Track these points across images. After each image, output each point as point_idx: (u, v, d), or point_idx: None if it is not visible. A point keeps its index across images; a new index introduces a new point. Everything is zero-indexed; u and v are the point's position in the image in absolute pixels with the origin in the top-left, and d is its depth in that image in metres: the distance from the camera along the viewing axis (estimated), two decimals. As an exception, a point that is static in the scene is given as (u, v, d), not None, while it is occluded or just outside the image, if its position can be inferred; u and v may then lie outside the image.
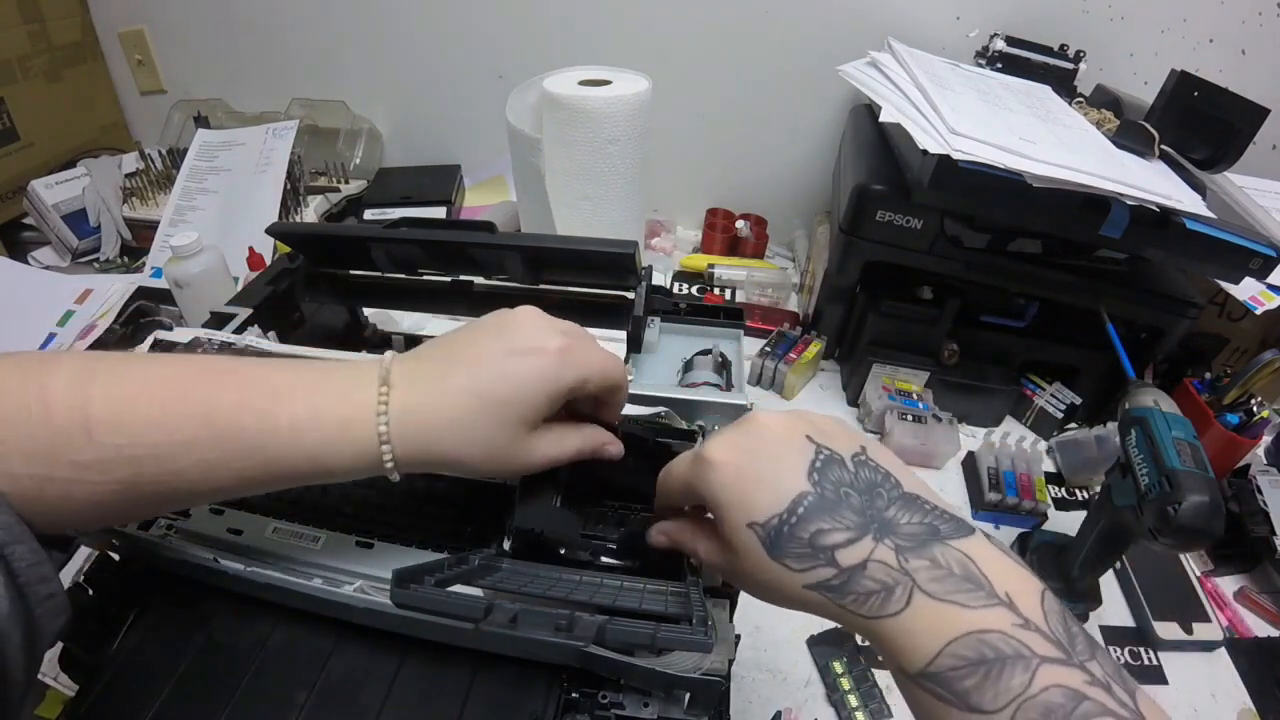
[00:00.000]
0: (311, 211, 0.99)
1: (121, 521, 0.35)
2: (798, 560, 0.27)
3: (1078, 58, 0.85)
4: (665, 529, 0.35)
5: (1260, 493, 0.67)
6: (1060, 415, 0.77)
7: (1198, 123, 0.70)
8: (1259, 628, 0.63)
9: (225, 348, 0.46)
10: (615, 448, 0.37)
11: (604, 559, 0.41)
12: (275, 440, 0.30)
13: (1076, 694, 0.23)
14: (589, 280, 0.53)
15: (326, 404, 0.31)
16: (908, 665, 0.25)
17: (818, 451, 0.29)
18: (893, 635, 0.26)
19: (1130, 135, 0.68)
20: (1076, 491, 0.75)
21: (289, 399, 0.30)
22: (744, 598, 0.38)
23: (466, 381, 0.32)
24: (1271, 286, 0.69)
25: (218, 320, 0.51)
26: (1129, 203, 0.58)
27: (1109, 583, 0.64)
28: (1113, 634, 0.61)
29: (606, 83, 0.73)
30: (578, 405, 0.36)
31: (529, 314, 0.34)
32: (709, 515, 0.32)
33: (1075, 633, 0.25)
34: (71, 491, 0.27)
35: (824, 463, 0.29)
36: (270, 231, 0.58)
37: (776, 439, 0.30)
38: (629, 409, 0.43)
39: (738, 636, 0.34)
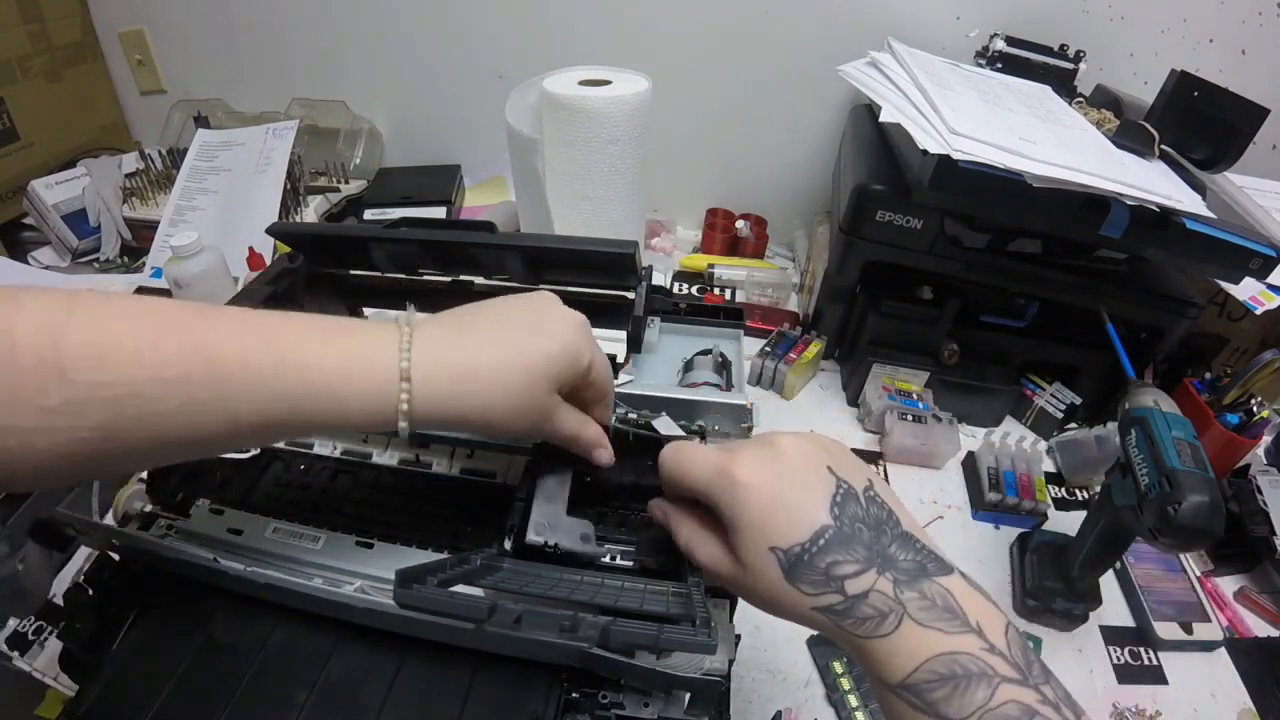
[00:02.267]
0: (311, 211, 0.99)
1: (81, 480, 0.32)
2: (812, 586, 0.30)
3: (1078, 58, 0.85)
4: (667, 511, 0.37)
5: (1260, 493, 0.67)
6: (1060, 415, 0.77)
7: (1198, 123, 0.70)
8: (1259, 628, 0.63)
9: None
10: (606, 454, 0.38)
11: (604, 559, 0.41)
12: (280, 376, 0.28)
13: (1029, 709, 0.26)
14: (589, 280, 0.53)
15: (342, 342, 0.30)
16: (888, 677, 0.29)
17: (838, 485, 0.31)
18: (879, 652, 0.29)
19: (1130, 135, 0.68)
20: (1076, 491, 0.75)
21: (300, 336, 0.29)
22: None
23: (499, 334, 0.33)
24: (1271, 286, 0.69)
25: (218, 320, 0.51)
26: (1129, 203, 0.58)
27: (1109, 583, 0.64)
28: (1113, 634, 0.61)
29: (606, 83, 0.73)
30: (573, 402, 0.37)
31: (551, 295, 0.36)
32: (701, 511, 0.34)
33: (1032, 660, 0.28)
34: (36, 442, 0.25)
35: (843, 497, 0.31)
36: (270, 231, 0.58)
37: (802, 466, 0.32)
38: (620, 411, 0.44)
39: (738, 636, 0.34)
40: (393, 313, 0.36)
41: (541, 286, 0.53)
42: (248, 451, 0.50)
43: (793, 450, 0.32)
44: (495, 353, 0.32)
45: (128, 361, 0.26)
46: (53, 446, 0.25)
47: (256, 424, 0.28)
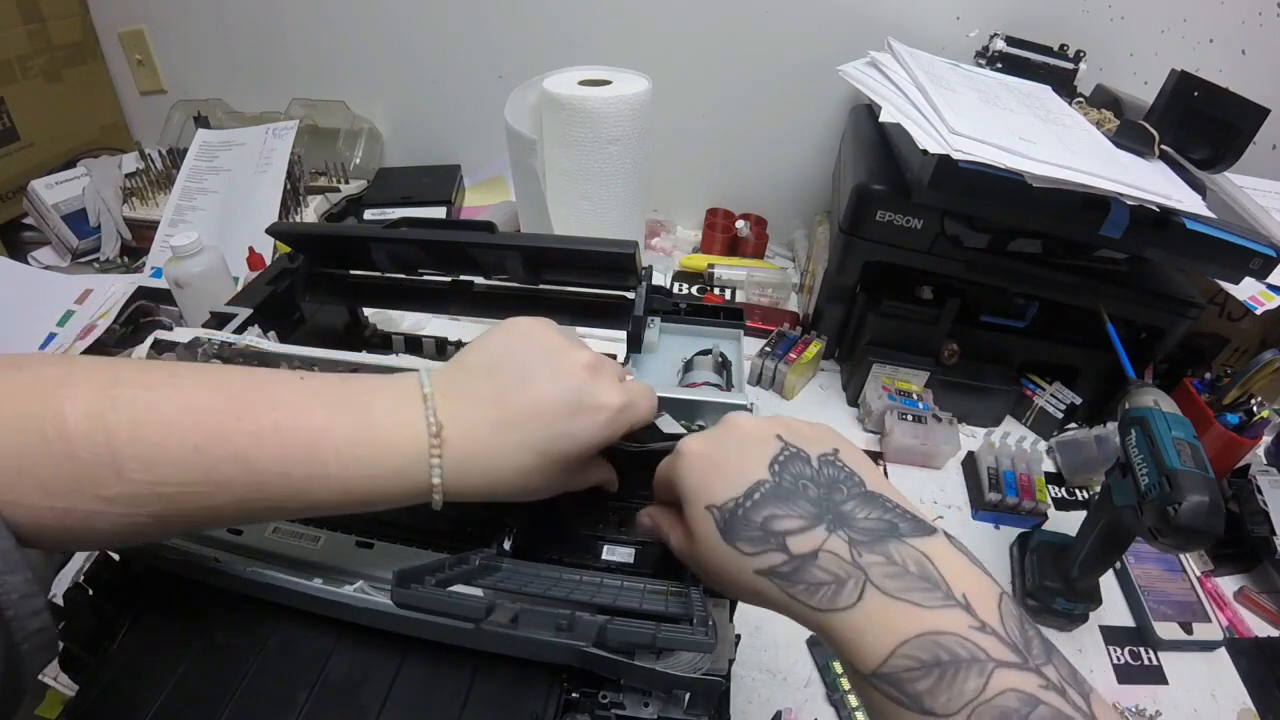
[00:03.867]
0: (311, 211, 0.99)
1: (144, 543, 0.34)
2: (749, 544, 0.28)
3: (1078, 58, 0.85)
4: (649, 512, 0.37)
5: (1260, 493, 0.67)
6: (1060, 415, 0.77)
7: (1198, 123, 0.70)
8: (1259, 628, 0.63)
9: (225, 347, 0.46)
10: (614, 484, 0.40)
11: (604, 558, 0.41)
12: (324, 485, 0.29)
13: (1031, 698, 0.23)
14: (589, 280, 0.53)
15: (377, 451, 0.30)
16: (860, 664, 0.25)
17: (784, 448, 0.30)
18: (844, 631, 0.26)
19: (1130, 135, 0.68)
20: (1076, 491, 0.75)
21: (335, 444, 0.29)
22: (744, 598, 0.38)
23: (528, 438, 0.32)
24: (1271, 286, 0.69)
25: (218, 320, 0.51)
26: (1129, 203, 0.58)
27: (1109, 583, 0.64)
28: (1113, 634, 0.61)
29: (606, 83, 0.73)
30: None
31: (587, 361, 0.34)
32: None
33: (1031, 636, 0.25)
34: (95, 523, 0.26)
35: (787, 458, 0.30)
36: (270, 231, 0.58)
37: (747, 435, 0.31)
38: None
39: (738, 636, 0.34)
40: (420, 366, 0.35)
41: (541, 286, 0.53)
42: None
43: (744, 423, 0.32)
44: (525, 459, 0.32)
45: (175, 466, 0.27)
46: (114, 526, 0.26)
47: (303, 512, 0.30)
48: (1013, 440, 0.74)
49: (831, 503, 0.28)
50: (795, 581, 0.27)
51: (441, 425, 0.31)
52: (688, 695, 0.32)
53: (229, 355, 0.46)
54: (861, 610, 0.25)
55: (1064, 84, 0.84)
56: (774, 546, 0.27)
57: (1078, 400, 0.77)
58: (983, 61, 0.86)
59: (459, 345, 0.61)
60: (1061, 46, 0.86)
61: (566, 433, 0.32)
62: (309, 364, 0.46)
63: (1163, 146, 0.68)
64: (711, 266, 1.03)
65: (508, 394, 0.33)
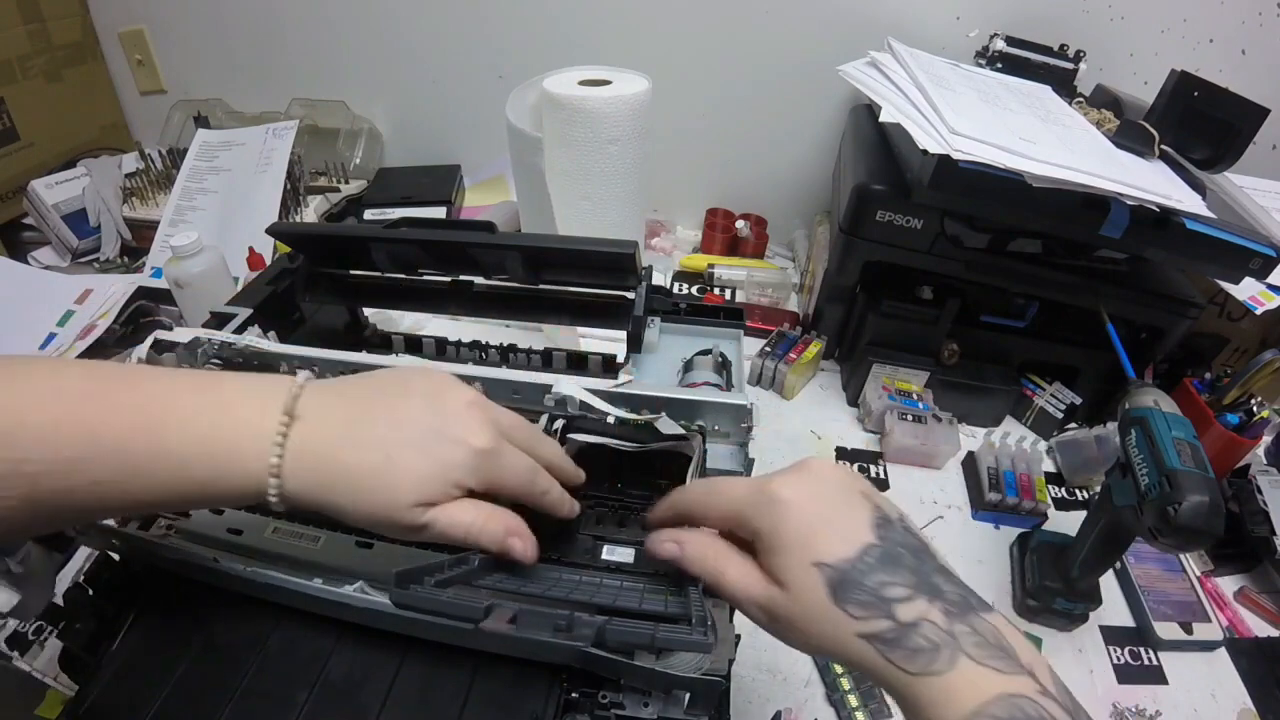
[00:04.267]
0: (311, 211, 0.99)
1: (37, 534, 0.34)
2: (860, 608, 0.29)
3: (1078, 58, 0.85)
4: (680, 540, 0.34)
5: (1260, 493, 0.67)
6: (1060, 415, 0.77)
7: (1198, 123, 0.70)
8: (1259, 628, 0.63)
9: (225, 347, 0.46)
10: (521, 546, 0.34)
11: (604, 558, 0.41)
12: (163, 464, 0.29)
13: None
14: (589, 280, 0.53)
15: (221, 430, 0.30)
16: None
17: (876, 510, 0.31)
18: (931, 693, 0.27)
19: (1130, 135, 0.68)
20: (1076, 491, 0.75)
21: (179, 421, 0.29)
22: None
23: (382, 436, 0.31)
24: (1271, 286, 0.69)
25: (218, 320, 0.51)
26: (1129, 203, 0.58)
27: (1109, 583, 0.64)
28: (1113, 634, 0.61)
29: (606, 83, 0.73)
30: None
31: (470, 399, 0.33)
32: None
33: (1077, 703, 0.27)
34: None
35: (881, 520, 0.31)
36: (270, 231, 0.58)
37: (839, 488, 0.32)
38: (620, 411, 0.44)
39: (738, 636, 0.34)
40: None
41: (541, 286, 0.53)
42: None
43: (828, 472, 0.32)
44: (370, 458, 0.30)
45: (33, 440, 0.27)
46: None
47: (153, 502, 0.30)
48: (1013, 440, 0.74)
49: (925, 572, 0.30)
50: (896, 647, 0.28)
51: (296, 402, 0.30)
52: (688, 695, 0.32)
53: (229, 355, 0.46)
54: (954, 674, 0.27)
55: (1064, 84, 0.84)
56: (883, 613, 0.28)
57: (1078, 400, 0.77)
58: (983, 61, 0.86)
59: (459, 345, 0.61)
60: (1061, 46, 0.86)
61: (418, 446, 0.31)
62: (309, 364, 0.46)
63: (1163, 146, 0.68)
64: (711, 266, 1.03)
65: (377, 400, 0.32)
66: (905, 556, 0.30)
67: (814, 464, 0.33)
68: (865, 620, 0.28)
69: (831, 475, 0.32)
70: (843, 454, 0.76)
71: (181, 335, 0.46)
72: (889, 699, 0.54)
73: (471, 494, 0.33)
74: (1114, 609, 0.63)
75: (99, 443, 0.28)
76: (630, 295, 0.52)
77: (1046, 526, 0.69)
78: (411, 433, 0.31)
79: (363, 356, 0.47)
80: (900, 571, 0.29)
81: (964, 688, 0.27)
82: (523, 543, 0.34)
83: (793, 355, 0.82)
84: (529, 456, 0.35)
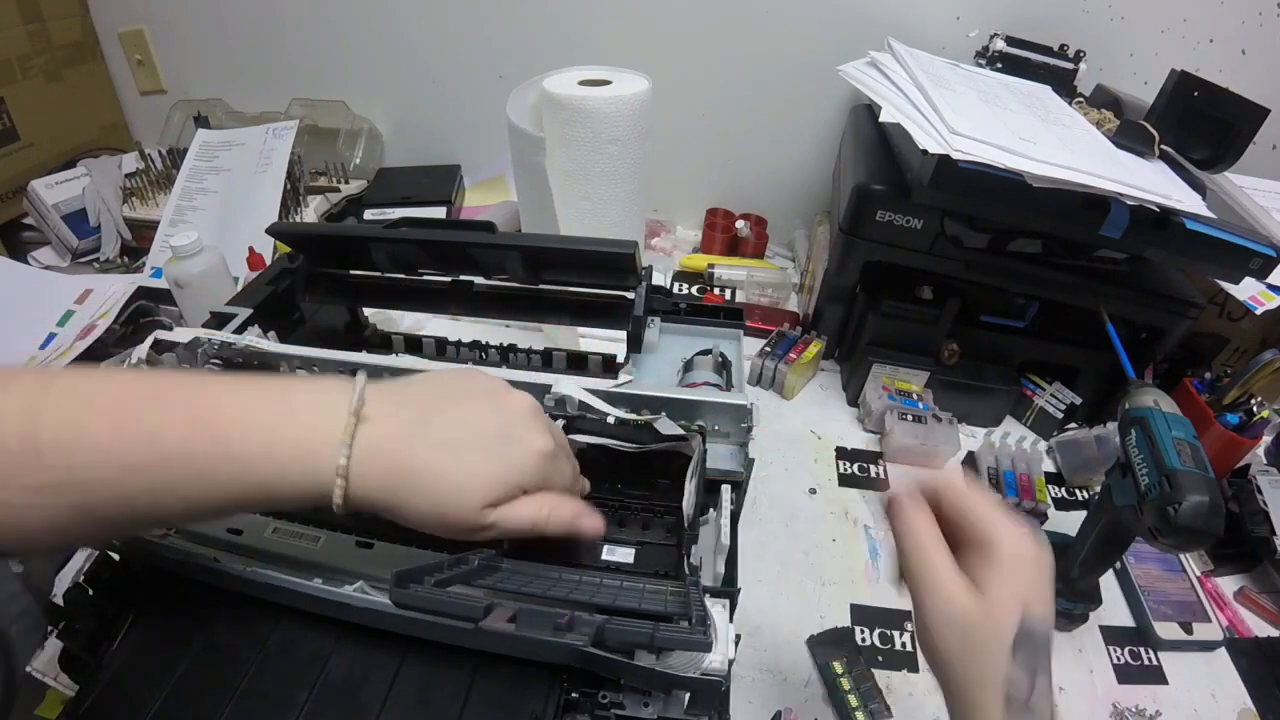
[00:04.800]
0: (311, 211, 0.99)
1: (85, 545, 0.34)
2: (1021, 667, 0.31)
3: (1078, 58, 0.85)
4: (908, 504, 0.35)
5: (1260, 493, 0.67)
6: (1060, 415, 0.77)
7: (1198, 123, 0.70)
8: (1259, 628, 0.63)
9: (225, 347, 0.46)
10: (592, 524, 0.36)
11: (604, 558, 0.41)
12: (226, 466, 0.29)
13: None
14: (589, 280, 0.53)
15: (287, 431, 0.30)
16: None
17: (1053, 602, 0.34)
18: None
19: (1130, 135, 0.68)
20: (1076, 491, 0.75)
21: (242, 423, 0.29)
22: (743, 597, 0.38)
23: (450, 437, 0.31)
24: (1271, 286, 0.69)
25: (218, 320, 0.51)
26: (1129, 203, 0.58)
27: (1109, 583, 0.64)
28: (1113, 634, 0.61)
29: (606, 83, 0.73)
30: None
31: (531, 404, 0.35)
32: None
33: None
34: (25, 517, 0.27)
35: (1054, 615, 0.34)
36: (270, 231, 0.58)
37: (1049, 569, 0.35)
38: (619, 411, 0.44)
39: (738, 636, 0.34)
40: (358, 362, 0.35)
41: (541, 286, 0.53)
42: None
43: (1047, 565, 0.34)
44: (440, 459, 0.31)
45: (90, 448, 0.27)
46: (43, 520, 0.27)
47: (212, 506, 0.30)
48: (1013, 440, 0.74)
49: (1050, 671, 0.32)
50: (1015, 715, 0.30)
51: (365, 403, 0.31)
52: (688, 695, 0.32)
53: (229, 355, 0.46)
54: None
55: (1064, 84, 0.84)
56: (1029, 685, 0.30)
57: (1078, 400, 0.77)
58: (983, 61, 0.86)
59: (459, 345, 0.61)
60: (1061, 46, 0.86)
61: (487, 446, 0.32)
62: (309, 364, 0.46)
63: (1163, 146, 0.68)
64: (711, 266, 1.03)
65: (443, 406, 0.33)
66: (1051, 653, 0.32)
67: (1045, 547, 0.35)
68: (1015, 681, 0.30)
69: (1051, 559, 0.34)
70: (843, 454, 0.76)
71: (181, 335, 0.46)
72: (889, 699, 0.54)
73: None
74: (1114, 609, 0.63)
75: (159, 447, 0.28)
76: (630, 295, 0.52)
77: (1046, 526, 0.69)
78: (480, 434, 0.32)
79: (362, 356, 0.47)
80: (1048, 662, 0.31)
81: None
82: (591, 519, 0.36)
83: (793, 355, 0.82)
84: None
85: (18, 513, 0.26)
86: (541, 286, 0.53)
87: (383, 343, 0.64)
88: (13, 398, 0.27)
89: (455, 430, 0.32)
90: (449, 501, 0.31)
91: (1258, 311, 0.70)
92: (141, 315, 0.83)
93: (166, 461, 0.28)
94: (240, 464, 0.29)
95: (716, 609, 0.34)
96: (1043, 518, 0.70)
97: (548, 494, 0.34)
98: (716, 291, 1.02)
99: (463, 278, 0.55)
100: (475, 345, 0.60)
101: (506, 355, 0.60)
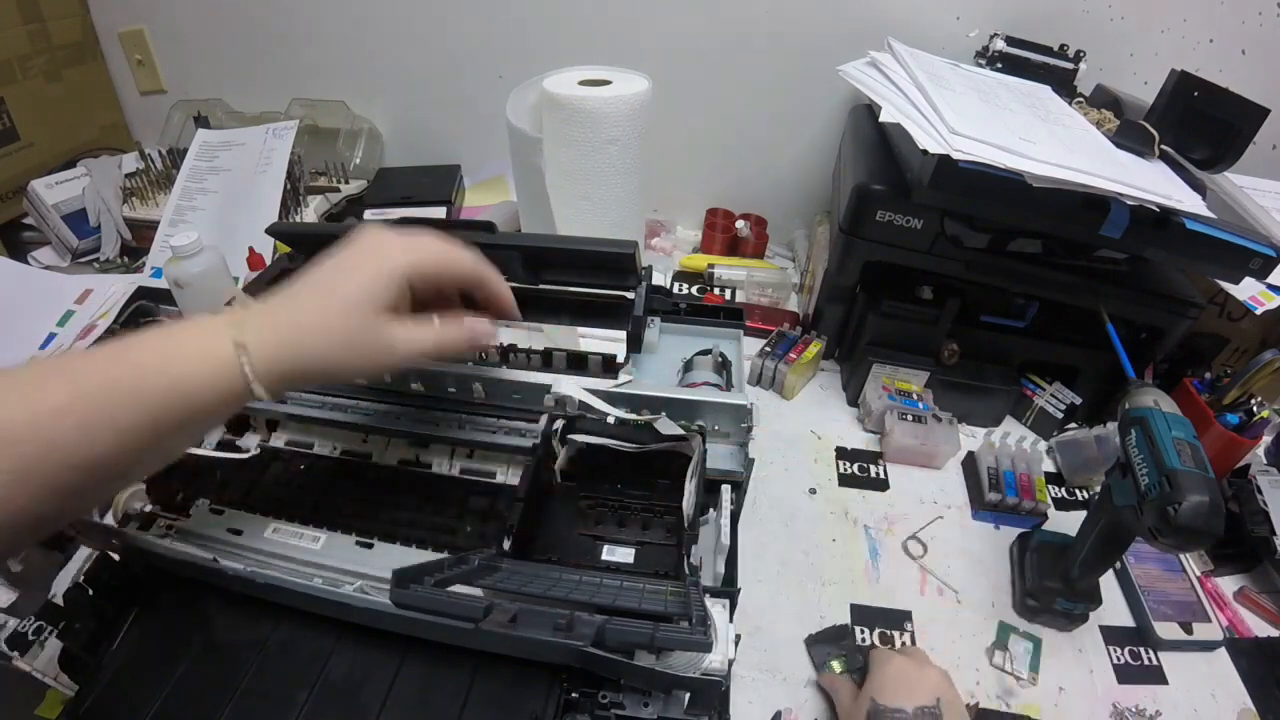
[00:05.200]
0: (311, 211, 0.99)
1: (23, 527, 0.34)
2: None
3: (1078, 58, 0.85)
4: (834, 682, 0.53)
5: (1260, 493, 0.67)
6: (1060, 415, 0.77)
7: (1198, 123, 0.70)
8: (1259, 628, 0.63)
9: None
10: (483, 329, 0.40)
11: (604, 558, 0.41)
12: (147, 384, 0.31)
13: None
14: (589, 280, 0.53)
15: (186, 334, 0.33)
16: None
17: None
18: None
19: (1130, 135, 0.68)
20: (1076, 491, 0.75)
21: (153, 347, 0.32)
22: (743, 597, 0.38)
23: (314, 282, 0.35)
24: (1271, 286, 0.69)
25: (218, 320, 0.51)
26: (1129, 203, 0.58)
27: (1109, 583, 0.64)
28: (1113, 634, 0.61)
29: (606, 83, 0.73)
30: (441, 306, 0.39)
31: (371, 225, 0.38)
32: None
33: None
34: None
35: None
36: (270, 231, 0.58)
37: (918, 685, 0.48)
38: (619, 411, 0.44)
39: (738, 636, 0.34)
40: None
41: (541, 286, 0.53)
42: (248, 451, 0.50)
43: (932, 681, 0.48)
44: (313, 300, 0.34)
45: (17, 403, 0.29)
46: None
47: (142, 429, 0.31)
48: (1013, 440, 0.74)
49: None
50: None
51: (238, 295, 0.35)
52: (688, 695, 0.32)
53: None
54: None
55: (1064, 84, 0.84)
56: None
57: (1078, 400, 0.77)
58: (983, 61, 0.86)
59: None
60: (1061, 46, 0.86)
61: (343, 271, 0.35)
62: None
63: (1163, 146, 0.68)
64: (711, 266, 1.03)
65: (307, 269, 0.36)
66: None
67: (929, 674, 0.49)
68: None
69: (896, 667, 0.49)
70: (843, 454, 0.76)
71: (181, 335, 0.46)
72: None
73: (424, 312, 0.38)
74: (1114, 609, 0.63)
75: (79, 381, 0.30)
76: (630, 295, 0.52)
77: (1046, 526, 0.69)
78: (336, 270, 0.35)
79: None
80: None
81: None
82: (485, 325, 0.40)
83: (793, 355, 0.82)
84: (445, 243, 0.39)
85: None
86: (541, 286, 0.53)
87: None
88: None
89: (320, 274, 0.35)
90: (335, 323, 0.34)
91: (1258, 311, 0.70)
92: (141, 315, 0.83)
93: (90, 394, 0.30)
94: (156, 377, 0.31)
95: (716, 609, 0.34)
96: (1043, 518, 0.70)
97: (437, 318, 0.38)
98: (716, 291, 1.02)
99: (463, 278, 0.55)
100: (475, 345, 0.60)
101: (506, 355, 0.60)
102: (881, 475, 0.75)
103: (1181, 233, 0.60)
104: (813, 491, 0.72)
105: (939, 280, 0.76)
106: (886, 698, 0.45)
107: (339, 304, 0.34)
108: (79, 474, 0.31)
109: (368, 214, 1.04)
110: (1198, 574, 0.67)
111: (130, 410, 0.30)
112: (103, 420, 0.30)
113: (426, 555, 0.40)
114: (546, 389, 0.44)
